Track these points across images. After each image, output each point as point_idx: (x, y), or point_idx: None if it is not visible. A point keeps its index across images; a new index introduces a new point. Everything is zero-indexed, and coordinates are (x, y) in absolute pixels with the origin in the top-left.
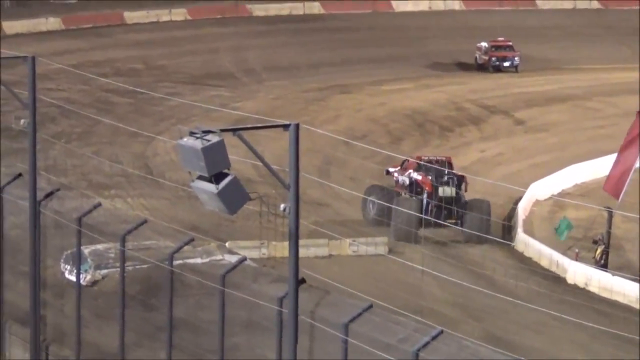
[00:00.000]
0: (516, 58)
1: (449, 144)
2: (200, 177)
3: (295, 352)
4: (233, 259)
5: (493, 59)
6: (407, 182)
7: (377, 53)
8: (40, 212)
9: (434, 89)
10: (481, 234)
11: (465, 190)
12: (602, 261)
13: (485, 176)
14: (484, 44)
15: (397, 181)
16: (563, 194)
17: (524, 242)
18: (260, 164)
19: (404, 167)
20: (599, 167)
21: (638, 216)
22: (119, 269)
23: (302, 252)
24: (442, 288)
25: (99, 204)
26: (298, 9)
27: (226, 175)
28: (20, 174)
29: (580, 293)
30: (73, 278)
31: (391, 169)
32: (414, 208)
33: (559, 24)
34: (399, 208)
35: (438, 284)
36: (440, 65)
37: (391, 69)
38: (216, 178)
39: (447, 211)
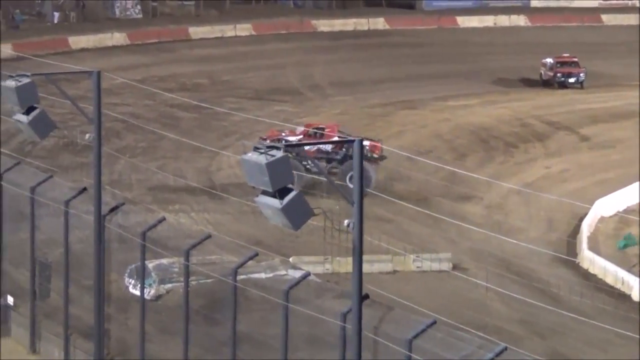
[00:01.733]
0: (581, 74)
1: (513, 160)
2: (264, 192)
3: None
4: (297, 274)
5: (558, 75)
6: None
7: (441, 69)
8: (105, 227)
9: (498, 105)
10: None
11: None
12: None
13: (550, 192)
14: (549, 60)
15: None
16: (628, 210)
17: (589, 259)
18: (325, 179)
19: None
20: None
21: None
22: (182, 284)
23: (366, 268)
24: (507, 305)
25: (163, 219)
26: (362, 25)
27: (290, 190)
28: (85, 189)
29: None
30: (137, 292)
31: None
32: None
33: (624, 40)
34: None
35: (502, 301)
36: (505, 81)
37: (456, 85)
38: (280, 193)
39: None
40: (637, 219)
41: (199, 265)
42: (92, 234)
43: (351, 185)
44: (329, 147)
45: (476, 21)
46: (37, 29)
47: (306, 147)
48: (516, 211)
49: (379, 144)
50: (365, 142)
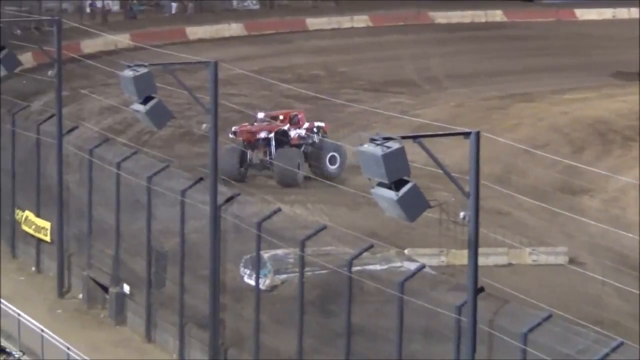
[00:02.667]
0: None
1: (631, 153)
2: (380, 184)
3: None
4: (412, 266)
5: None
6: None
7: (559, 62)
8: (220, 217)
9: (616, 98)
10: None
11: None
12: None
13: None
14: None
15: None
16: None
17: None
18: (441, 171)
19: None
20: None
21: None
22: (297, 275)
23: (482, 261)
24: (624, 299)
25: (279, 209)
26: (480, 17)
27: (406, 182)
28: (201, 178)
29: None
30: (252, 282)
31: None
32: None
33: None
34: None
35: (619, 296)
36: (623, 74)
37: (573, 78)
38: (396, 185)
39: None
40: None
41: (314, 256)
42: (208, 224)
43: (330, 167)
44: (303, 133)
45: (595, 14)
46: (155, 19)
47: (292, 135)
48: (634, 205)
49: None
50: (321, 123)
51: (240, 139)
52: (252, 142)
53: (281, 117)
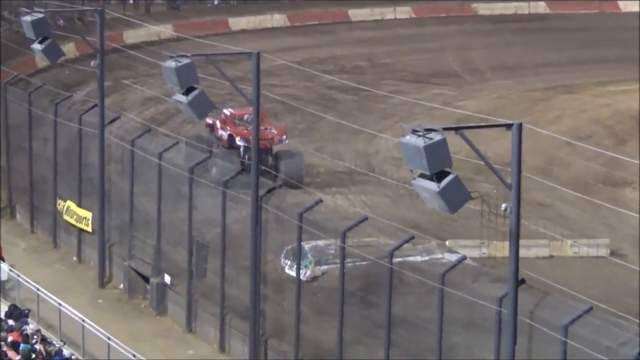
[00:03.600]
0: None
1: None
2: (422, 175)
3: (514, 352)
4: (453, 257)
5: None
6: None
7: (602, 53)
8: (262, 207)
9: None
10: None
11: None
12: None
13: None
14: None
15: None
16: None
17: None
18: (482, 163)
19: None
20: None
21: None
22: (338, 265)
23: (523, 253)
24: None
25: (320, 200)
26: (523, 9)
27: (448, 173)
28: (243, 169)
29: None
30: (293, 273)
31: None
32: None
33: None
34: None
35: None
36: None
37: (616, 70)
38: (438, 176)
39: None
40: None
41: (355, 247)
42: (250, 215)
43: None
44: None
45: (638, 5)
46: (198, 10)
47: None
48: None
49: (274, 135)
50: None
51: (242, 144)
52: (265, 149)
53: (246, 117)
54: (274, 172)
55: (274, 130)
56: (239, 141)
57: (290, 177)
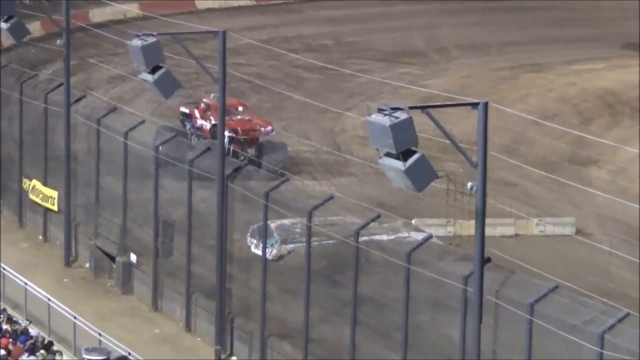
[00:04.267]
0: None
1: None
2: (388, 154)
3: (479, 330)
4: (419, 236)
5: None
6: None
7: (569, 32)
8: (228, 186)
9: (626, 69)
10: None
11: None
12: None
13: None
14: None
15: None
16: None
17: None
18: (449, 141)
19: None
20: None
21: None
22: (304, 244)
23: (489, 231)
24: (631, 271)
25: (287, 179)
26: None
27: (414, 152)
28: (209, 148)
29: None
30: (259, 252)
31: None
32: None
33: None
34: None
35: (626, 267)
36: (633, 45)
37: (583, 49)
38: (404, 155)
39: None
40: None
41: (321, 226)
42: (216, 194)
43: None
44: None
45: None
46: None
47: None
48: None
49: (261, 126)
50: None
51: (239, 137)
52: (253, 140)
53: (240, 108)
54: (256, 164)
55: (259, 123)
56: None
57: (273, 169)
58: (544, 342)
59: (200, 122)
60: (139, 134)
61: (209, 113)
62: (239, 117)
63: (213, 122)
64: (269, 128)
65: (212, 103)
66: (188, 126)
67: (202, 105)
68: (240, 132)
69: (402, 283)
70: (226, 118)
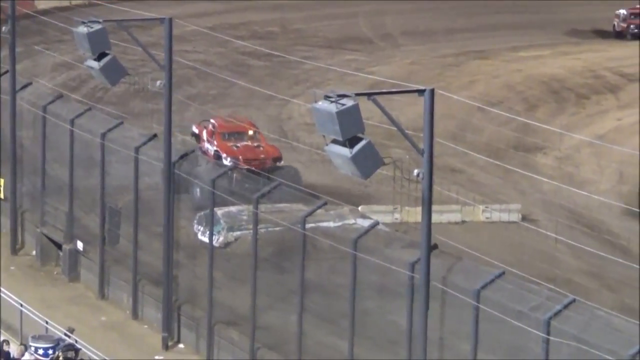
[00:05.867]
0: None
1: (585, 111)
2: (335, 141)
3: (426, 317)
4: (366, 223)
5: (632, 26)
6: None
7: (514, 19)
8: (174, 173)
9: (571, 56)
10: None
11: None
12: None
13: (621, 145)
14: (622, 12)
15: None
16: None
17: None
18: (395, 128)
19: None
20: None
21: None
22: (251, 231)
23: (435, 218)
24: (576, 257)
25: (233, 166)
26: None
27: (360, 139)
28: (155, 135)
29: None
30: (206, 239)
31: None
32: None
33: None
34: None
35: (572, 253)
36: (578, 32)
37: (528, 36)
38: (350, 142)
39: None
40: None
41: (268, 213)
42: (162, 181)
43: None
44: None
45: None
46: None
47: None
48: (587, 163)
49: (268, 157)
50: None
51: (240, 166)
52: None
53: (250, 132)
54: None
55: (261, 149)
56: (225, 159)
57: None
58: (490, 328)
59: (206, 145)
60: (85, 121)
61: (213, 137)
62: (246, 142)
63: (215, 147)
64: (278, 156)
65: (218, 123)
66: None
67: (210, 126)
68: (241, 160)
69: (349, 270)
70: (231, 144)
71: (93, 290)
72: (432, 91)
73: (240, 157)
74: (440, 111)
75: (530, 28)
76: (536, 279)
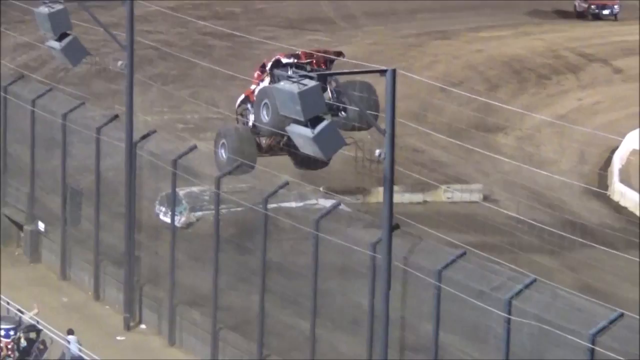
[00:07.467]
0: (616, 6)
1: (546, 91)
2: (296, 121)
3: (388, 297)
4: (327, 203)
5: (592, 6)
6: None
7: (476, 0)
8: (136, 154)
9: (532, 36)
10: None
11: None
12: None
13: (582, 125)
14: None
15: None
16: None
17: (620, 191)
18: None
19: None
20: None
21: None
22: (213, 212)
23: (397, 198)
24: (537, 236)
25: (195, 147)
26: None
27: (322, 119)
28: (117, 116)
29: None
30: (168, 220)
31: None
32: None
33: None
34: None
35: (533, 233)
36: (539, 12)
37: (490, 16)
38: (312, 122)
39: None
40: None
41: (230, 194)
42: (124, 161)
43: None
44: None
45: None
46: None
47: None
48: (548, 143)
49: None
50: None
51: (300, 61)
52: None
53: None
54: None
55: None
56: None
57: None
58: (452, 308)
59: (257, 90)
60: (46, 101)
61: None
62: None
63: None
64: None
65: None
66: (250, 113)
67: (258, 71)
68: (302, 56)
69: (310, 250)
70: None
71: (54, 271)
72: (394, 71)
73: (299, 52)
74: (402, 91)
75: (491, 8)
76: (498, 259)
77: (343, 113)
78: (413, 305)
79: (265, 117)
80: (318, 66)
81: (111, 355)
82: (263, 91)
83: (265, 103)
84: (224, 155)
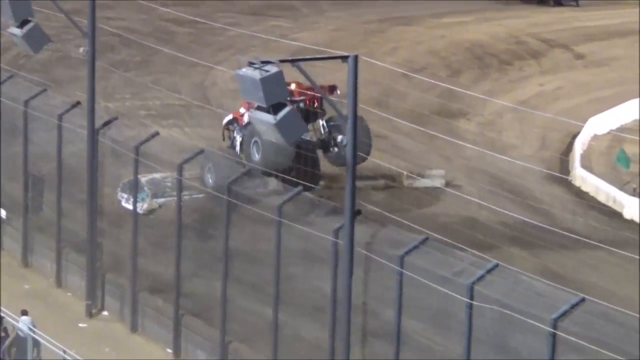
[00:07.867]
0: None
1: (507, 77)
2: (259, 107)
3: (350, 283)
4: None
5: None
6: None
7: None
8: (98, 141)
9: (494, 22)
10: None
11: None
12: None
13: (543, 110)
14: None
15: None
16: (622, 129)
17: (582, 177)
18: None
19: None
20: None
21: None
22: (175, 198)
23: (359, 184)
24: (499, 222)
25: (157, 133)
26: None
27: (284, 105)
28: (78, 102)
29: (637, 228)
30: (130, 206)
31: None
32: None
33: None
34: None
35: (495, 218)
36: None
37: (452, 2)
38: (274, 108)
39: None
40: (631, 136)
41: (192, 180)
42: (86, 148)
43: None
44: None
45: None
46: None
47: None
48: (510, 128)
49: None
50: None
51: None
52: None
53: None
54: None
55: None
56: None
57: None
58: (414, 293)
59: (247, 116)
60: (7, 88)
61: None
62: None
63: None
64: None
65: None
66: (237, 136)
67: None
68: (295, 93)
69: (273, 236)
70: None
71: (16, 259)
72: (356, 57)
73: (292, 86)
74: (364, 77)
75: None
76: (459, 244)
77: (335, 149)
78: (376, 291)
79: (255, 155)
80: (312, 103)
81: (73, 342)
82: (252, 129)
83: (256, 141)
84: (210, 180)
